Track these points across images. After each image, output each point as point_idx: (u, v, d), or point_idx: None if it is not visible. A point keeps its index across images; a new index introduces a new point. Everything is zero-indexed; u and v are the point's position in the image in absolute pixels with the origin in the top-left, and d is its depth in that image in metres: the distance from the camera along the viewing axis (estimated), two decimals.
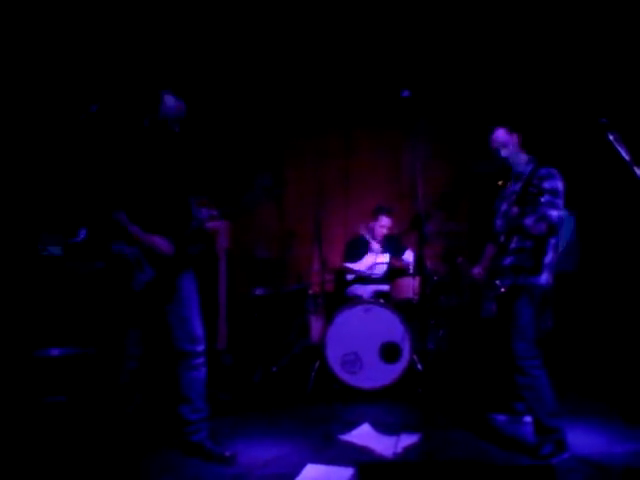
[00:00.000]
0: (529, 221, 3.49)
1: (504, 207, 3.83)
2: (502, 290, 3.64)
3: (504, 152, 3.75)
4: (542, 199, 3.38)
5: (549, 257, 3.62)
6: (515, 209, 3.51)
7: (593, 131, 3.06)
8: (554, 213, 3.46)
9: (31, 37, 5.20)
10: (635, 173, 2.90)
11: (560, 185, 3.54)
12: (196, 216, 3.49)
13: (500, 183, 3.95)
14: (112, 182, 3.33)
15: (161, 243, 3.33)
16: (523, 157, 3.76)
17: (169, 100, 3.42)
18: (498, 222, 3.89)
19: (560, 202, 3.50)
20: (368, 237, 5.84)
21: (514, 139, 3.74)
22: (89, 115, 4.51)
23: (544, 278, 3.61)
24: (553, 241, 3.63)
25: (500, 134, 3.75)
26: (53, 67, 5.32)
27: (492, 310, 3.68)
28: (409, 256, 5.74)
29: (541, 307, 3.65)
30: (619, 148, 2.98)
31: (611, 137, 3.00)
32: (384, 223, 5.85)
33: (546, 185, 3.50)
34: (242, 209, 3.59)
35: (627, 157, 2.96)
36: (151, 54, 5.61)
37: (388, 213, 5.87)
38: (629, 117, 4.79)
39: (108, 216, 3.28)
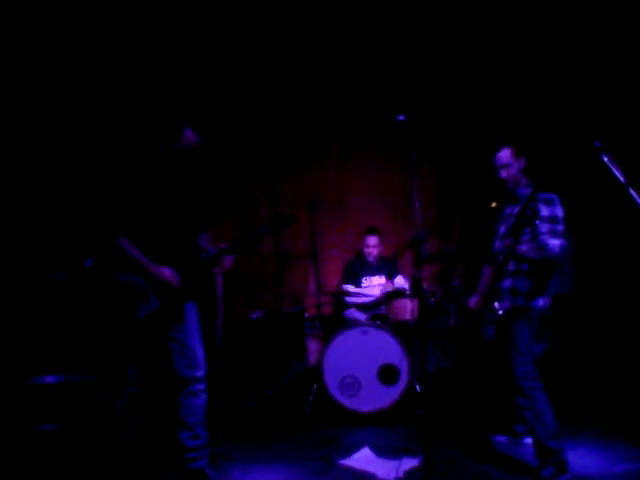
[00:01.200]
0: (524, 247, 3.47)
1: (502, 229, 3.82)
2: (500, 313, 3.64)
3: (504, 173, 3.72)
4: (541, 228, 3.41)
5: (547, 280, 3.62)
6: (508, 240, 3.48)
7: (588, 153, 3.09)
8: (556, 242, 3.44)
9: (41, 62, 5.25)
10: (630, 194, 2.92)
11: (559, 211, 3.53)
12: (206, 250, 3.51)
13: (493, 205, 3.96)
14: (120, 208, 3.31)
15: (167, 274, 3.32)
16: (523, 180, 3.75)
17: (189, 134, 3.43)
18: (497, 243, 3.87)
19: (560, 228, 3.49)
20: (366, 260, 5.89)
21: (519, 162, 3.71)
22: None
23: (542, 301, 3.62)
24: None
25: (505, 155, 3.72)
26: (66, 94, 5.37)
27: (490, 332, 3.67)
28: (400, 281, 5.77)
29: (537, 329, 3.64)
30: (613, 169, 3.01)
31: (605, 159, 3.03)
32: (370, 243, 5.90)
33: (545, 212, 3.48)
34: (252, 244, 3.61)
35: (622, 178, 2.98)
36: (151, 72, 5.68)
37: (374, 232, 5.93)
38: (624, 138, 4.87)
39: (113, 243, 3.26)
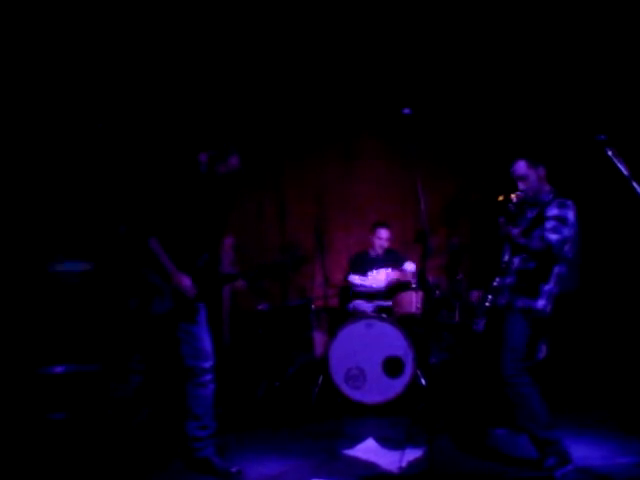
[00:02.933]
0: (533, 242, 3.53)
1: (516, 232, 3.72)
2: (487, 304, 3.68)
3: (522, 185, 3.70)
4: (547, 225, 3.46)
5: (550, 285, 3.59)
6: (516, 230, 3.55)
7: (592, 147, 3.10)
8: (553, 237, 3.45)
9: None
10: (634, 188, 2.93)
11: (570, 215, 3.54)
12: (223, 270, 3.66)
13: (501, 198, 3.96)
14: (156, 210, 3.43)
15: (187, 285, 3.39)
16: (545, 188, 3.72)
17: (234, 160, 3.58)
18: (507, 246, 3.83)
19: (565, 230, 3.49)
20: (373, 253, 5.90)
21: (537, 172, 3.69)
22: (96, 131, 4.64)
23: (541, 304, 3.58)
24: (557, 270, 3.59)
25: (519, 167, 3.71)
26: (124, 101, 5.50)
27: (480, 325, 3.70)
28: (410, 266, 5.77)
29: (536, 335, 3.65)
30: (618, 163, 3.02)
31: (609, 153, 3.04)
32: (382, 235, 5.91)
33: (554, 212, 3.52)
34: (268, 274, 3.76)
35: (626, 172, 3.00)
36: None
37: (386, 226, 5.95)
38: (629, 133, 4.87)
39: (144, 242, 3.36)
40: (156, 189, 3.48)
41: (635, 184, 2.94)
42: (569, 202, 3.60)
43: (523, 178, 3.71)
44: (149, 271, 3.39)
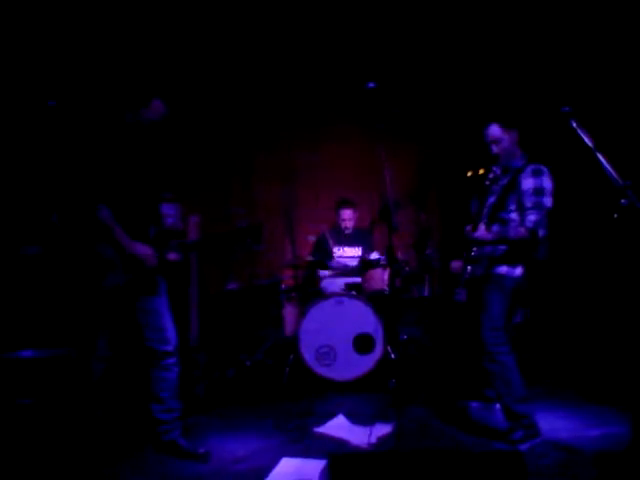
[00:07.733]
0: (510, 231, 3.54)
1: (491, 200, 3.74)
2: (468, 274, 3.67)
3: (496, 148, 3.69)
4: (527, 202, 3.45)
5: (527, 251, 3.60)
6: (479, 232, 3.55)
7: (557, 119, 3.07)
8: (532, 217, 3.46)
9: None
10: (598, 159, 2.92)
11: (547, 183, 3.50)
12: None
13: (469, 174, 3.93)
14: (97, 176, 3.24)
15: (145, 251, 3.29)
16: (517, 153, 3.71)
17: (157, 106, 3.40)
18: (485, 211, 3.77)
19: (546, 200, 3.48)
20: (328, 237, 5.86)
21: (510, 136, 3.68)
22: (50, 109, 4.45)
23: (519, 271, 3.61)
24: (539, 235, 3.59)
25: (493, 130, 3.69)
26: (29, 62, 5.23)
27: (462, 295, 3.69)
28: (375, 256, 5.76)
29: (514, 302, 3.65)
30: (582, 135, 3.00)
31: (574, 124, 3.03)
32: (346, 216, 5.87)
33: (530, 184, 3.50)
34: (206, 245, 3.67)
35: (590, 143, 2.98)
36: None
37: (349, 205, 5.90)
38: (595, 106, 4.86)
39: (92, 213, 3.20)
40: (89, 153, 3.29)
41: (599, 155, 2.93)
42: (543, 168, 3.56)
43: (497, 141, 3.69)
44: (100, 244, 3.25)
